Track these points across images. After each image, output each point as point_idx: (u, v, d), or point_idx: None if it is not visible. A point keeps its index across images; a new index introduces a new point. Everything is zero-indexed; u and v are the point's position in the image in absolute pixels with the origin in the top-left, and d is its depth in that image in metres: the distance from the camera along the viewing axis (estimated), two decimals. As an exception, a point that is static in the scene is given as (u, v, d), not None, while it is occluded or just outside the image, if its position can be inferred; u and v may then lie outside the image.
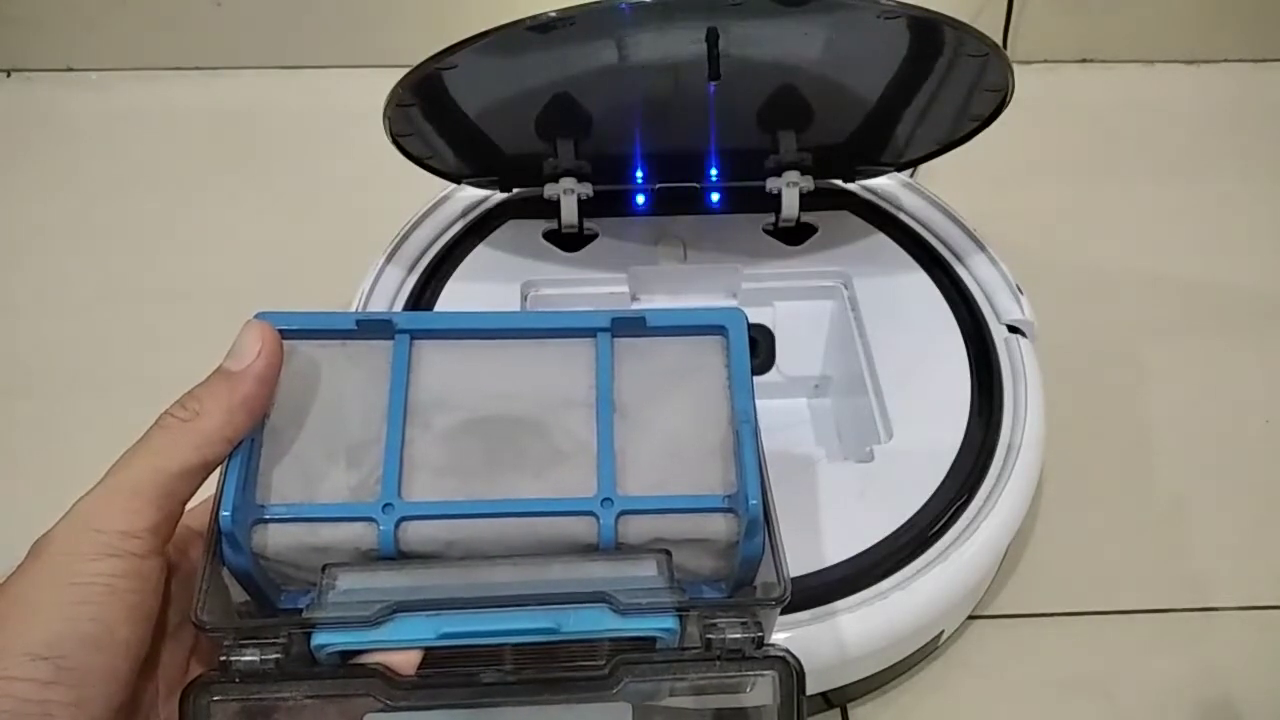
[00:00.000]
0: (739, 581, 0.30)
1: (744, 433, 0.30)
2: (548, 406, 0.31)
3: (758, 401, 0.54)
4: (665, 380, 0.31)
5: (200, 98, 0.79)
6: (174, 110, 0.78)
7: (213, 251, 0.69)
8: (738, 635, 0.27)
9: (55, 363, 0.63)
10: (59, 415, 0.59)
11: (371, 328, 0.31)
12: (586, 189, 0.55)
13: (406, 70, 0.45)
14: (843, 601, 0.43)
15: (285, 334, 0.30)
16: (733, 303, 0.56)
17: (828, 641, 0.43)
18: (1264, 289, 0.68)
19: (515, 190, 0.57)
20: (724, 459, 0.30)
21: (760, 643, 0.28)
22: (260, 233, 0.70)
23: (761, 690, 0.28)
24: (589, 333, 0.32)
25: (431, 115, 0.50)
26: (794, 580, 0.43)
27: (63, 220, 0.71)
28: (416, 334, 0.31)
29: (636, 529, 0.29)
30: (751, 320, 0.54)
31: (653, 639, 0.28)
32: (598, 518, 0.29)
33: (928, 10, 0.43)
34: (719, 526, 0.29)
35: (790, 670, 0.28)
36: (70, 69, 0.80)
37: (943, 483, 0.47)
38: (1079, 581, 0.54)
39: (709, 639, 0.28)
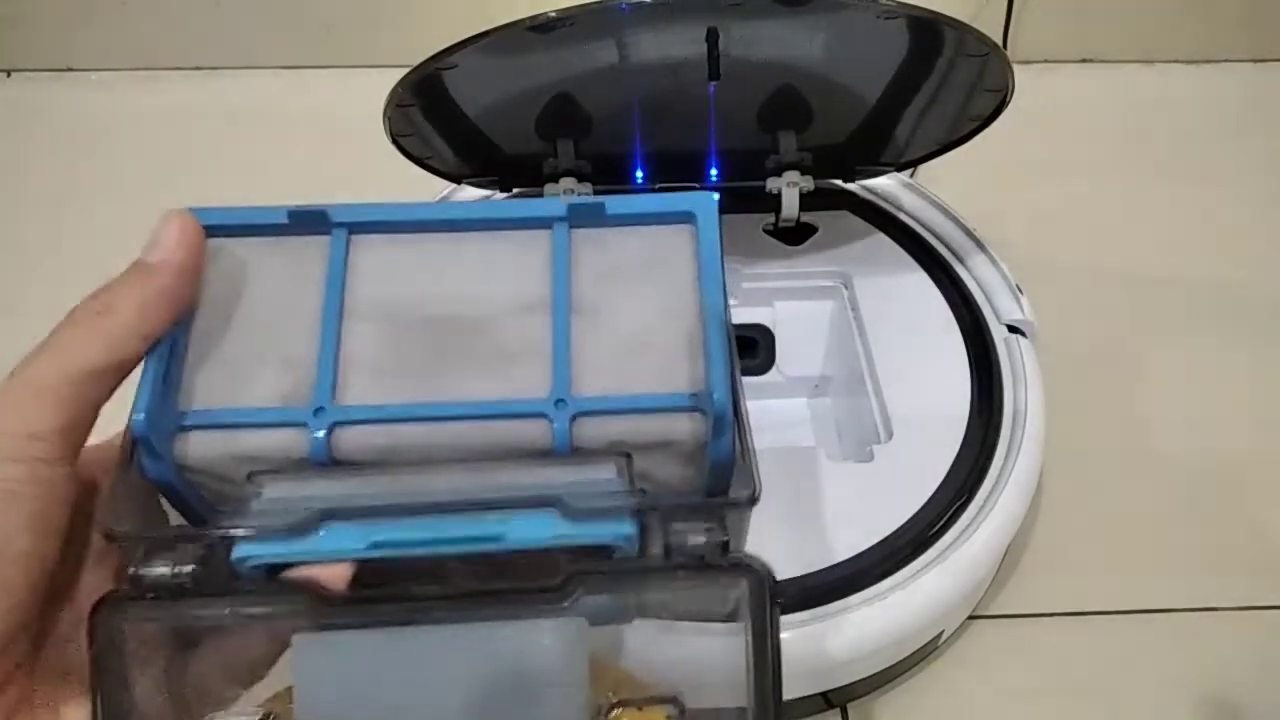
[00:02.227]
0: (711, 491, 0.28)
1: (711, 326, 0.27)
2: (499, 303, 0.28)
3: (757, 401, 0.55)
4: (627, 273, 0.29)
5: (200, 98, 0.79)
6: (174, 110, 0.78)
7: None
8: (701, 540, 0.25)
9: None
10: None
11: (305, 220, 0.29)
12: (586, 189, 0.55)
13: (406, 70, 0.45)
14: (843, 601, 0.43)
15: (213, 230, 0.28)
16: (733, 303, 0.56)
17: (828, 641, 0.43)
18: (1264, 289, 0.68)
19: (515, 190, 0.57)
20: (690, 357, 0.28)
21: (726, 548, 0.25)
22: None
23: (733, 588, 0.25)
24: (544, 223, 0.29)
25: (431, 115, 0.50)
26: (796, 580, 0.43)
27: (63, 220, 0.71)
28: (355, 228, 0.29)
29: (593, 432, 0.27)
30: (751, 320, 0.55)
31: (611, 549, 0.25)
32: (551, 420, 0.26)
33: (928, 10, 0.43)
34: (684, 427, 0.27)
35: (760, 579, 0.25)
36: (70, 69, 0.80)
37: (943, 483, 0.47)
38: (1079, 581, 0.54)
39: (668, 544, 0.25)
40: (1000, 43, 0.61)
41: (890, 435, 0.49)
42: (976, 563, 0.46)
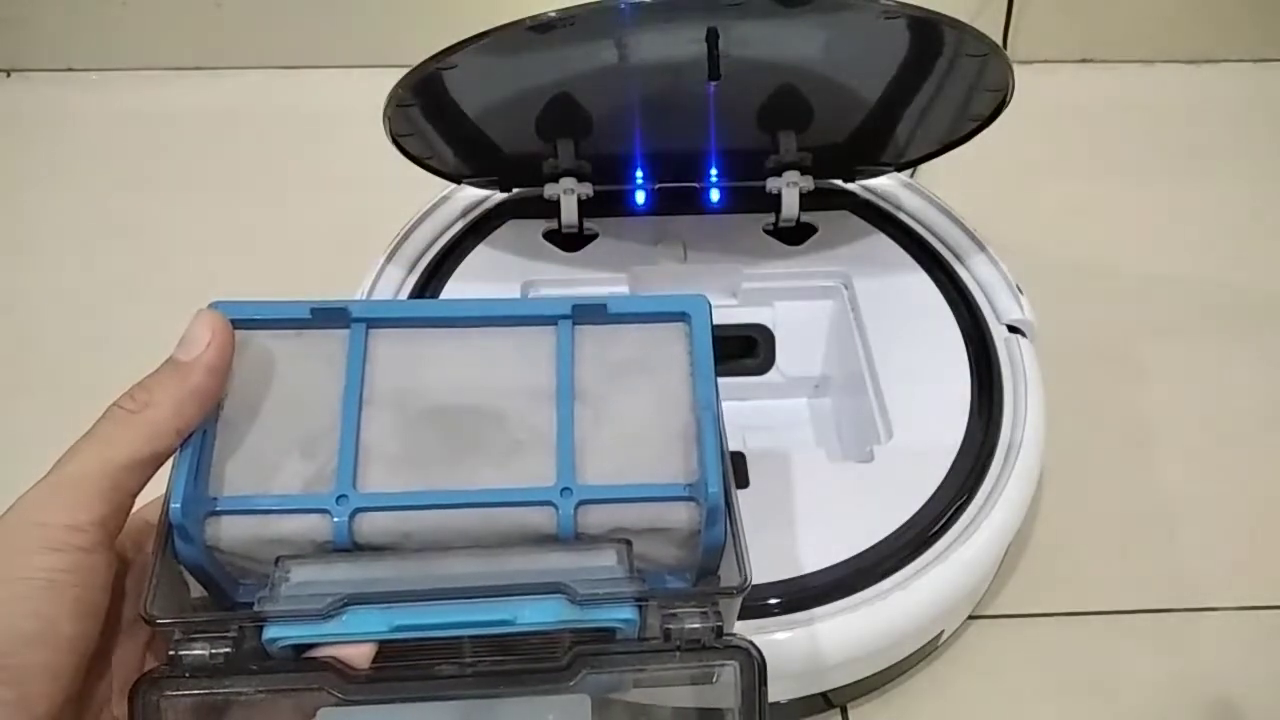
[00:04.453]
0: (703, 571, 0.30)
1: (705, 420, 0.29)
2: (507, 395, 0.30)
3: (757, 401, 0.55)
4: (627, 368, 0.31)
5: (200, 98, 0.79)
6: (174, 110, 0.78)
7: (213, 251, 0.69)
8: (697, 625, 0.27)
9: (55, 362, 0.63)
10: (58, 415, 0.59)
11: (327, 316, 0.31)
12: (586, 189, 0.55)
13: (406, 70, 0.45)
14: (843, 601, 0.43)
15: (240, 323, 0.30)
16: (733, 302, 0.56)
17: (828, 641, 0.43)
18: (1264, 289, 0.68)
19: (515, 190, 0.57)
20: (685, 447, 0.30)
21: (720, 632, 0.27)
22: (260, 233, 0.70)
23: (725, 690, 0.28)
24: (549, 320, 0.31)
25: (431, 115, 0.50)
26: (796, 580, 0.43)
27: (63, 220, 0.71)
28: (373, 323, 0.31)
29: (596, 519, 0.29)
30: (751, 320, 0.56)
31: (613, 630, 0.27)
32: (556, 508, 0.29)
33: (928, 10, 0.43)
34: (680, 515, 0.29)
35: (752, 660, 0.27)
36: (70, 69, 0.80)
37: (943, 483, 0.47)
38: (1079, 581, 0.54)
39: (668, 629, 0.27)
40: (1000, 43, 0.61)
41: (890, 435, 0.49)
42: (976, 563, 0.46)
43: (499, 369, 0.31)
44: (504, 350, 0.31)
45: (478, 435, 0.30)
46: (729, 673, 0.27)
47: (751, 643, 0.27)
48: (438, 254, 0.56)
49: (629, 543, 0.29)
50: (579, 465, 0.29)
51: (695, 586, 0.30)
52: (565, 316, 0.31)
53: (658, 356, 0.31)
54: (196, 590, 0.29)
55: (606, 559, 0.28)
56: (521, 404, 0.30)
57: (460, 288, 0.54)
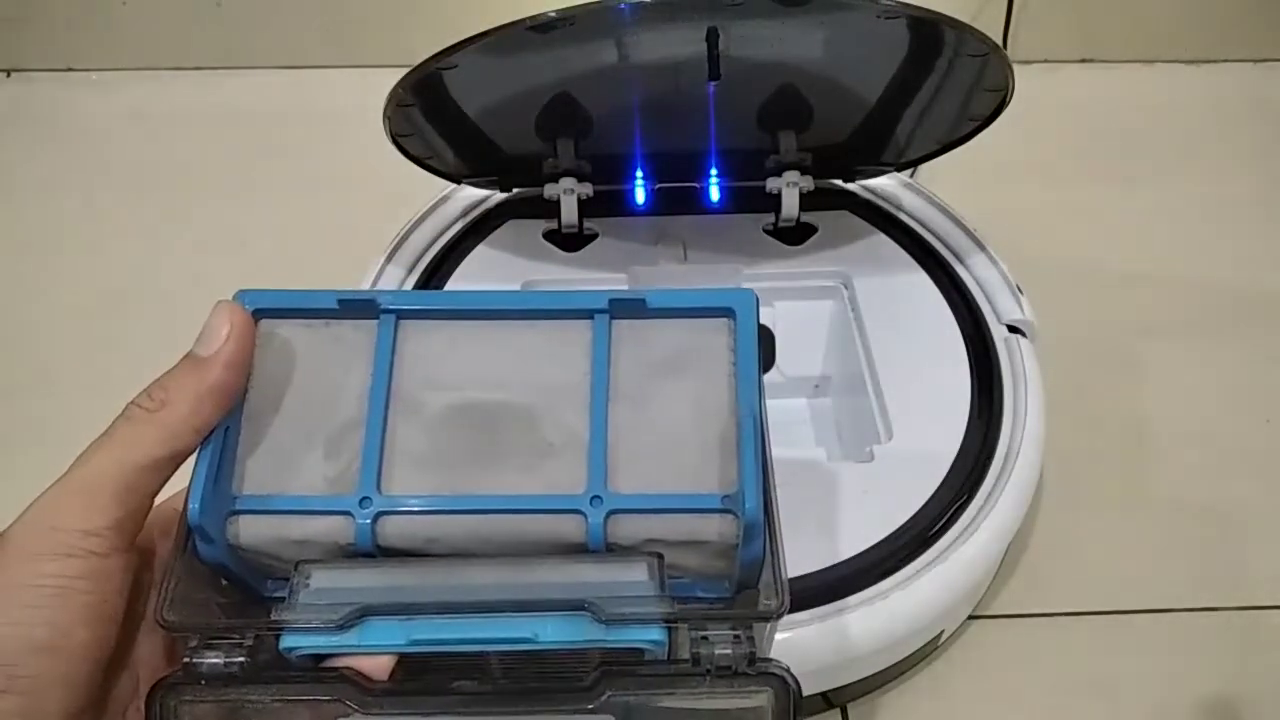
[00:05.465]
0: (741, 584, 0.29)
1: (746, 427, 0.28)
2: (539, 393, 0.29)
3: (758, 402, 0.55)
4: (665, 367, 0.29)
5: (200, 98, 0.79)
6: (174, 110, 0.78)
7: (213, 251, 0.69)
8: (728, 651, 0.26)
9: (55, 363, 0.63)
10: (59, 415, 0.59)
11: (355, 307, 0.29)
12: (586, 189, 0.55)
13: (406, 70, 0.45)
14: (843, 601, 0.43)
15: (264, 314, 0.29)
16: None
17: (828, 641, 0.43)
18: (1264, 289, 0.68)
19: (515, 190, 0.57)
20: (724, 454, 0.28)
21: (754, 659, 0.26)
22: (260, 233, 0.70)
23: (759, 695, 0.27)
24: (585, 314, 0.30)
25: (431, 115, 0.50)
26: (795, 580, 0.43)
27: (63, 220, 0.71)
28: (403, 314, 0.30)
29: (627, 529, 0.28)
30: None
31: (640, 649, 0.26)
32: (586, 517, 0.27)
33: (928, 10, 0.43)
34: (715, 528, 0.28)
35: (787, 688, 0.26)
36: (70, 69, 0.80)
37: (943, 483, 0.47)
38: (1079, 581, 0.54)
39: (697, 653, 0.26)
40: (1000, 43, 0.60)
41: (890, 435, 0.49)
42: (976, 563, 0.45)
43: (532, 365, 0.29)
44: (537, 345, 0.30)
45: (508, 436, 0.29)
46: (764, 697, 0.26)
47: (788, 669, 0.26)
48: (438, 254, 0.56)
49: (661, 556, 0.27)
50: (611, 471, 0.28)
51: (732, 601, 0.29)
52: (602, 310, 0.30)
53: (699, 355, 0.29)
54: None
55: (637, 573, 0.27)
56: (554, 403, 0.29)
57: (461, 288, 0.54)
